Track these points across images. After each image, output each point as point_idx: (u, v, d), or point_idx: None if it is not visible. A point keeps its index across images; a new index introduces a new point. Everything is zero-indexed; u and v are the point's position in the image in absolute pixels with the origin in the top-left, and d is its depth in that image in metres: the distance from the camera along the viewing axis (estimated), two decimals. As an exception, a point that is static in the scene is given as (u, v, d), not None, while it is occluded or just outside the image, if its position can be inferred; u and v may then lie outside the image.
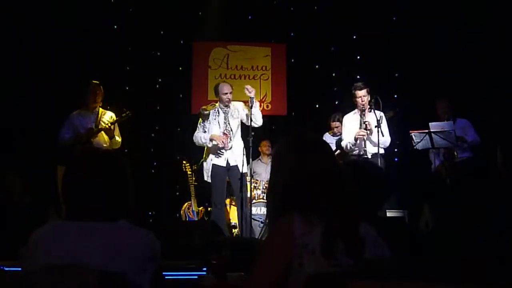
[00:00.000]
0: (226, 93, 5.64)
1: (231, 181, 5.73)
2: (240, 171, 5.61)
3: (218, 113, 5.69)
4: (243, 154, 5.66)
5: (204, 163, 5.76)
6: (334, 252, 1.66)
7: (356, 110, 5.74)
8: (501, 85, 6.46)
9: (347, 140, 5.73)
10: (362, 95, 5.58)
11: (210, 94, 7.87)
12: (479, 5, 6.75)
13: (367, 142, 5.60)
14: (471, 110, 6.28)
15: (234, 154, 5.64)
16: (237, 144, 5.69)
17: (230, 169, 5.64)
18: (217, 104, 5.77)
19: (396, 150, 6.49)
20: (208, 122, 5.66)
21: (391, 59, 7.47)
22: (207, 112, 5.69)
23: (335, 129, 6.43)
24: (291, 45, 7.92)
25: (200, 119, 5.76)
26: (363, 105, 5.56)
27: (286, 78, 7.94)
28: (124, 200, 1.85)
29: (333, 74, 7.87)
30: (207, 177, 5.72)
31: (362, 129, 5.56)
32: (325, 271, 1.64)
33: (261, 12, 7.82)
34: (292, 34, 7.92)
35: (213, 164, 5.63)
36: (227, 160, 5.62)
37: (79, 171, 1.85)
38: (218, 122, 5.64)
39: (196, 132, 5.75)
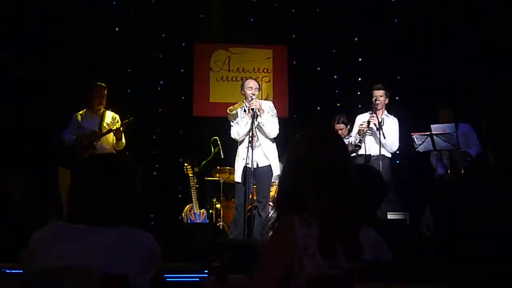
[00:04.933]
0: (251, 87, 5.44)
1: (257, 183, 5.43)
2: (273, 171, 5.35)
3: (245, 111, 5.48)
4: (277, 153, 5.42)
5: (236, 164, 5.57)
6: (333, 253, 1.66)
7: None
8: (501, 86, 6.46)
9: (353, 135, 5.83)
10: (378, 95, 5.70)
11: (212, 96, 7.90)
12: (479, 6, 6.76)
13: (373, 142, 5.63)
14: (472, 112, 6.28)
15: (264, 154, 5.40)
16: (266, 142, 5.46)
17: (259, 170, 5.36)
18: (243, 103, 5.58)
19: (397, 152, 6.48)
20: (236, 122, 5.49)
21: (392, 61, 7.47)
22: (234, 111, 5.53)
23: (339, 131, 6.43)
24: (293, 47, 7.92)
25: (230, 120, 5.59)
26: (377, 104, 5.65)
27: (288, 80, 7.94)
28: (131, 208, 1.85)
29: (335, 76, 7.87)
30: (237, 177, 5.50)
31: (366, 123, 5.64)
32: (326, 274, 1.64)
33: (262, 14, 7.83)
34: (293, 36, 7.92)
35: (244, 166, 5.37)
36: (256, 161, 5.34)
37: (88, 176, 1.85)
38: (246, 121, 5.40)
39: (232, 128, 5.53)
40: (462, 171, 5.79)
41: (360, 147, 5.64)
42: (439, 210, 5.55)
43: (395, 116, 5.83)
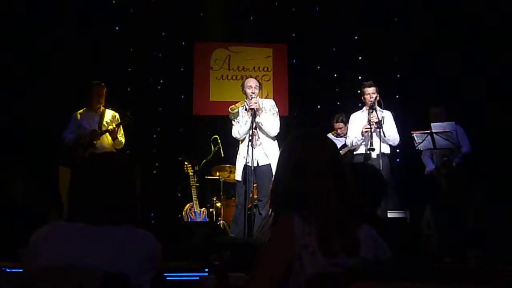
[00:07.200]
0: (251, 86, 5.44)
1: (258, 182, 5.46)
2: (273, 169, 5.34)
3: (246, 110, 5.49)
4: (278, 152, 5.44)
5: (237, 163, 5.58)
6: (333, 252, 1.66)
7: (364, 108, 5.80)
8: (502, 86, 6.46)
9: (353, 136, 5.76)
10: (371, 92, 5.66)
11: (212, 95, 7.89)
12: (479, 6, 6.76)
13: (374, 139, 5.61)
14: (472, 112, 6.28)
15: (264, 153, 5.40)
16: (267, 141, 5.46)
17: (259, 168, 5.37)
18: (245, 101, 5.57)
19: (398, 151, 6.48)
20: (237, 121, 5.49)
21: (392, 60, 7.46)
22: (236, 110, 5.54)
23: (339, 130, 6.44)
24: (293, 46, 7.92)
25: (232, 118, 5.60)
26: (372, 101, 5.62)
27: (288, 78, 7.94)
28: (131, 207, 1.85)
29: (335, 75, 7.87)
30: (237, 175, 5.53)
31: (368, 124, 5.59)
32: (326, 272, 1.64)
33: (262, 13, 7.83)
34: (293, 34, 7.92)
35: (244, 164, 5.38)
36: (256, 160, 5.34)
37: (88, 175, 1.85)
38: (246, 120, 5.41)
39: (233, 127, 5.54)
40: (454, 164, 5.79)
41: (373, 149, 5.53)
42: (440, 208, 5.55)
43: (387, 109, 5.79)
